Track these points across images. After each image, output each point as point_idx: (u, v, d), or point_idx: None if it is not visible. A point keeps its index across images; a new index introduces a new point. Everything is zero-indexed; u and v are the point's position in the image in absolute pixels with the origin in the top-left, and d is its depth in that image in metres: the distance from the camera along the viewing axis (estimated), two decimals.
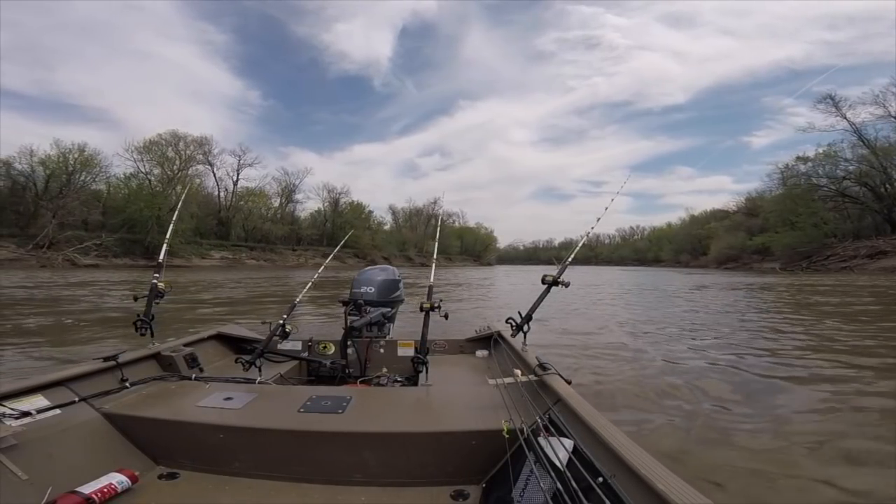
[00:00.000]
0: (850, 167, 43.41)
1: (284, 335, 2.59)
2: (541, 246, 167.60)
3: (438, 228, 3.67)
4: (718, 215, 70.77)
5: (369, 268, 3.12)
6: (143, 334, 2.31)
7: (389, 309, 2.93)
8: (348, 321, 2.70)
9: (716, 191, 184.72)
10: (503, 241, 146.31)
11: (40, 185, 41.88)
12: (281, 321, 2.55)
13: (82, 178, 44.51)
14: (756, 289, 16.55)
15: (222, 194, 58.70)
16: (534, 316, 2.25)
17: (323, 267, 3.40)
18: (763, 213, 52.73)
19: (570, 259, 2.44)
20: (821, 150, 45.02)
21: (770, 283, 19.82)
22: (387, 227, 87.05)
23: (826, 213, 43.48)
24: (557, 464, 1.18)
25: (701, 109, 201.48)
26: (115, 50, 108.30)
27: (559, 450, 1.24)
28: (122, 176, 48.42)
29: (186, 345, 2.49)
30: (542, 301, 2.25)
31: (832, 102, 43.19)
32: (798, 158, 47.86)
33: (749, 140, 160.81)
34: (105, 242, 40.30)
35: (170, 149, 51.87)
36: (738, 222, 59.32)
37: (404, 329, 3.24)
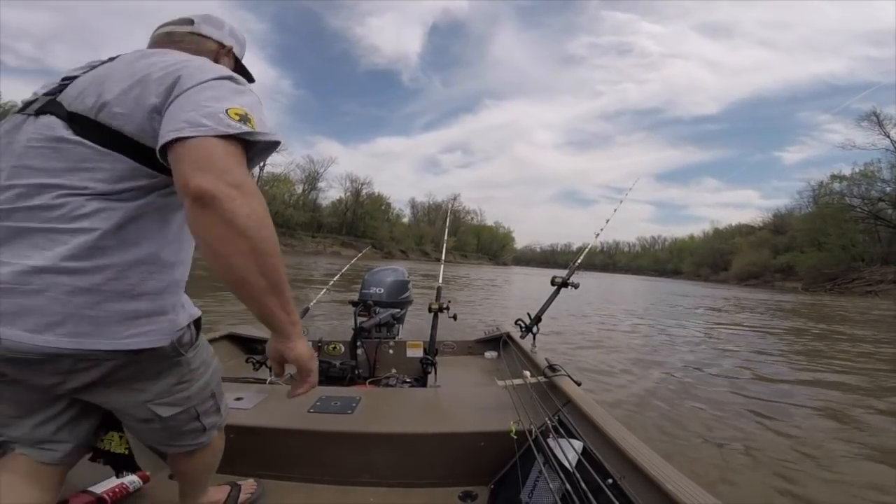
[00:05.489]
0: (888, 188, 42.28)
1: None
2: (558, 249, 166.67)
3: (447, 228, 3.62)
4: (744, 230, 69.51)
5: (379, 268, 3.10)
6: None
7: (399, 310, 2.92)
8: (357, 322, 2.69)
9: (742, 205, 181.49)
10: (520, 242, 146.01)
11: None
12: None
13: None
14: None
15: None
16: (543, 317, 2.25)
17: (339, 275, 3.38)
18: (791, 231, 51.56)
19: (578, 261, 2.44)
20: (857, 169, 43.90)
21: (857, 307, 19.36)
22: (405, 220, 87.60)
23: (856, 235, 42.32)
24: (566, 465, 1.17)
25: (733, 121, 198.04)
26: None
27: (568, 451, 1.23)
28: None
29: None
30: (551, 302, 2.24)
31: (876, 119, 42.03)
32: (833, 176, 46.84)
33: (780, 155, 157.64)
34: None
35: None
36: (763, 239, 58.17)
37: (413, 330, 3.24)
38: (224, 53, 1.05)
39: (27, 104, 0.82)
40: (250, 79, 1.11)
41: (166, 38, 0.99)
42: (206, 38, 1.02)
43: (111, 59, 0.85)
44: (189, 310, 0.92)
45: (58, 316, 0.71)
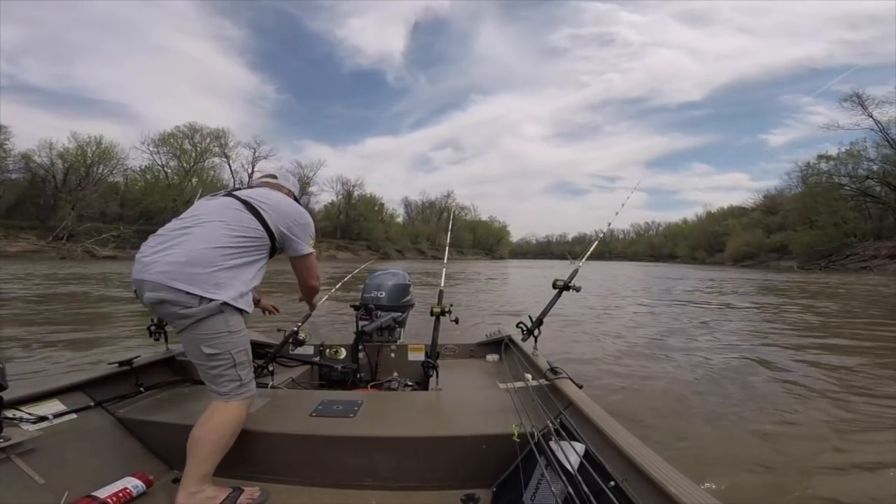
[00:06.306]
0: (874, 167, 42.45)
1: (298, 343, 2.61)
2: (554, 240, 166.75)
3: (449, 231, 3.58)
4: (736, 212, 69.60)
5: (380, 271, 3.10)
6: (157, 339, 2.24)
7: (400, 313, 2.92)
8: (359, 325, 2.70)
9: (732, 188, 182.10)
10: (516, 235, 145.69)
11: (59, 178, 42.62)
12: (295, 328, 2.59)
13: (100, 170, 45.28)
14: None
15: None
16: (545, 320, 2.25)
17: (340, 284, 3.36)
18: (782, 211, 51.79)
19: (581, 262, 2.42)
20: (843, 149, 44.15)
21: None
22: (399, 220, 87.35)
23: (847, 213, 42.54)
24: (568, 468, 1.18)
25: (717, 106, 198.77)
26: (134, 45, 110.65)
27: (570, 454, 1.25)
28: (138, 169, 49.31)
29: None
30: (553, 305, 2.23)
31: (858, 100, 42.08)
32: (820, 157, 47.06)
33: (766, 138, 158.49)
34: (122, 234, 40.88)
35: (186, 141, 52.60)
36: (755, 220, 58.32)
37: (415, 333, 3.23)
38: (290, 194, 1.91)
39: (214, 195, 1.71)
40: (296, 198, 1.95)
41: (266, 184, 1.86)
42: (283, 186, 1.90)
43: (252, 187, 1.80)
44: (247, 301, 1.54)
45: (185, 276, 1.41)
